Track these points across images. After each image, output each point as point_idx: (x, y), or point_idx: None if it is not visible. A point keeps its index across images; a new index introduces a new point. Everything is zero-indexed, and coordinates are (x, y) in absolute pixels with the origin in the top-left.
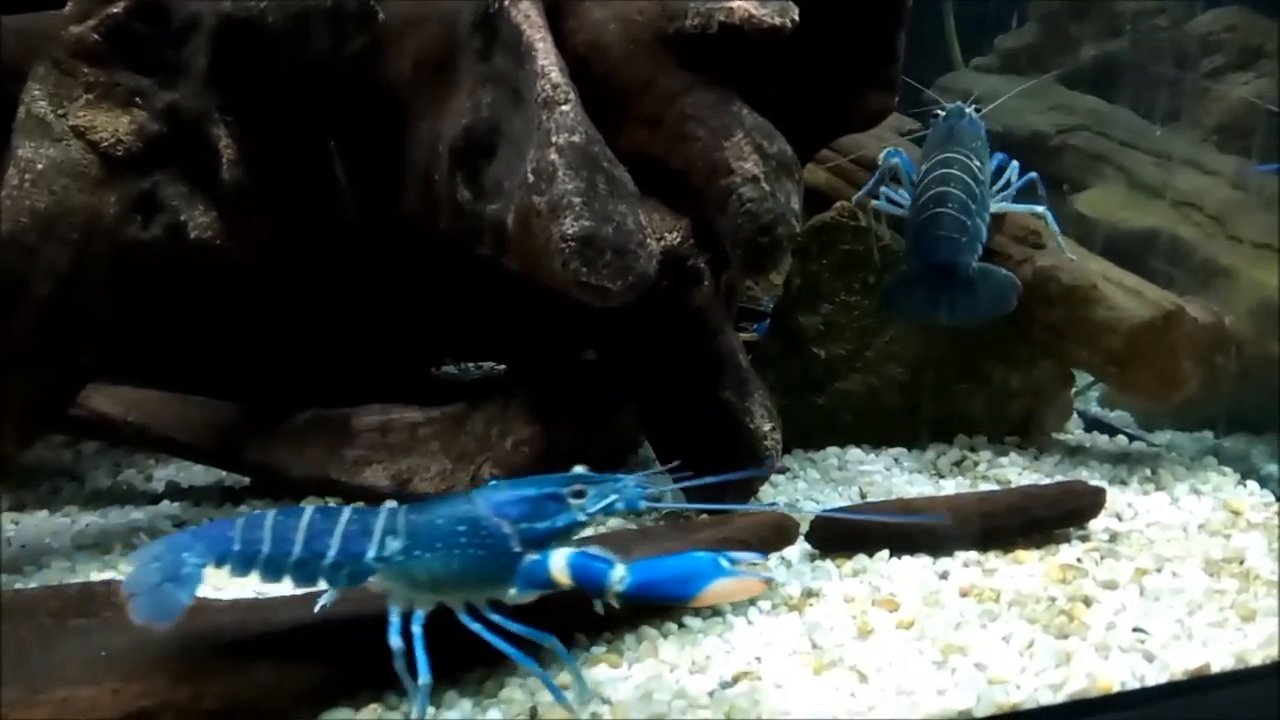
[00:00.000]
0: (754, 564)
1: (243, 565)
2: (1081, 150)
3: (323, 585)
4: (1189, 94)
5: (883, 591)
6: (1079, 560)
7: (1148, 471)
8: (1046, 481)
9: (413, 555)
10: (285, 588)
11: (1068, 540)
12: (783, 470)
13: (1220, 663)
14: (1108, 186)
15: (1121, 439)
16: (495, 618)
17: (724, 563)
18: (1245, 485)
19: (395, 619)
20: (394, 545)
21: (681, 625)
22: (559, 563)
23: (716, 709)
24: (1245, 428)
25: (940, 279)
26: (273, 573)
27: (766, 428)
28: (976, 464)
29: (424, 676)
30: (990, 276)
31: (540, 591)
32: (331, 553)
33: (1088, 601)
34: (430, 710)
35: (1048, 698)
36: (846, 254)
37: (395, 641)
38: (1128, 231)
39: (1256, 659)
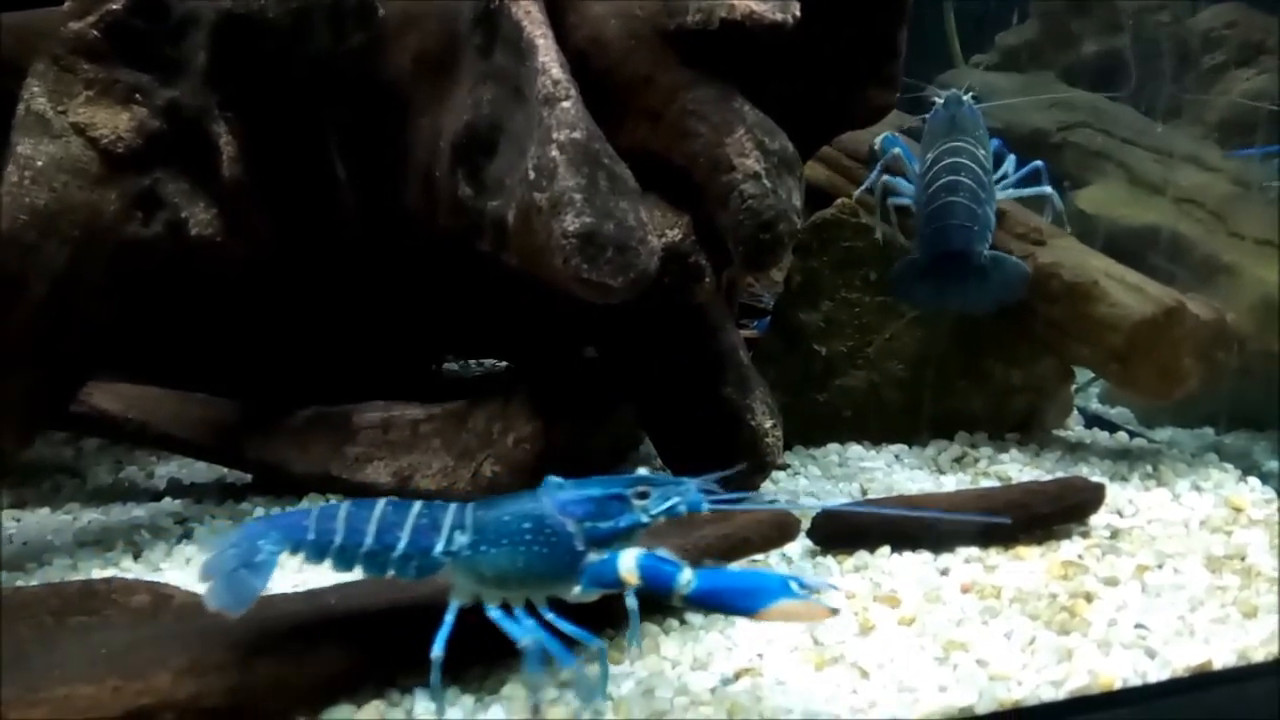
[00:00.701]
0: (819, 593)
1: (316, 554)
2: (1082, 147)
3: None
4: (1191, 91)
5: (884, 588)
6: (1080, 557)
7: (1149, 468)
8: (1047, 478)
9: (479, 550)
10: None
11: (1069, 537)
12: (783, 467)
13: (1222, 659)
14: (1109, 183)
15: (1122, 435)
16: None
17: (794, 585)
18: (1246, 482)
19: (451, 618)
20: (461, 540)
21: (683, 622)
22: (628, 562)
23: (718, 706)
24: (1247, 424)
25: (953, 267)
26: (344, 562)
27: (767, 425)
28: (977, 460)
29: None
30: (1002, 264)
31: (605, 591)
32: (401, 545)
33: (1089, 598)
34: (432, 707)
35: (1049, 694)
36: (847, 250)
37: (438, 651)
38: (1129, 228)
39: (1258, 655)
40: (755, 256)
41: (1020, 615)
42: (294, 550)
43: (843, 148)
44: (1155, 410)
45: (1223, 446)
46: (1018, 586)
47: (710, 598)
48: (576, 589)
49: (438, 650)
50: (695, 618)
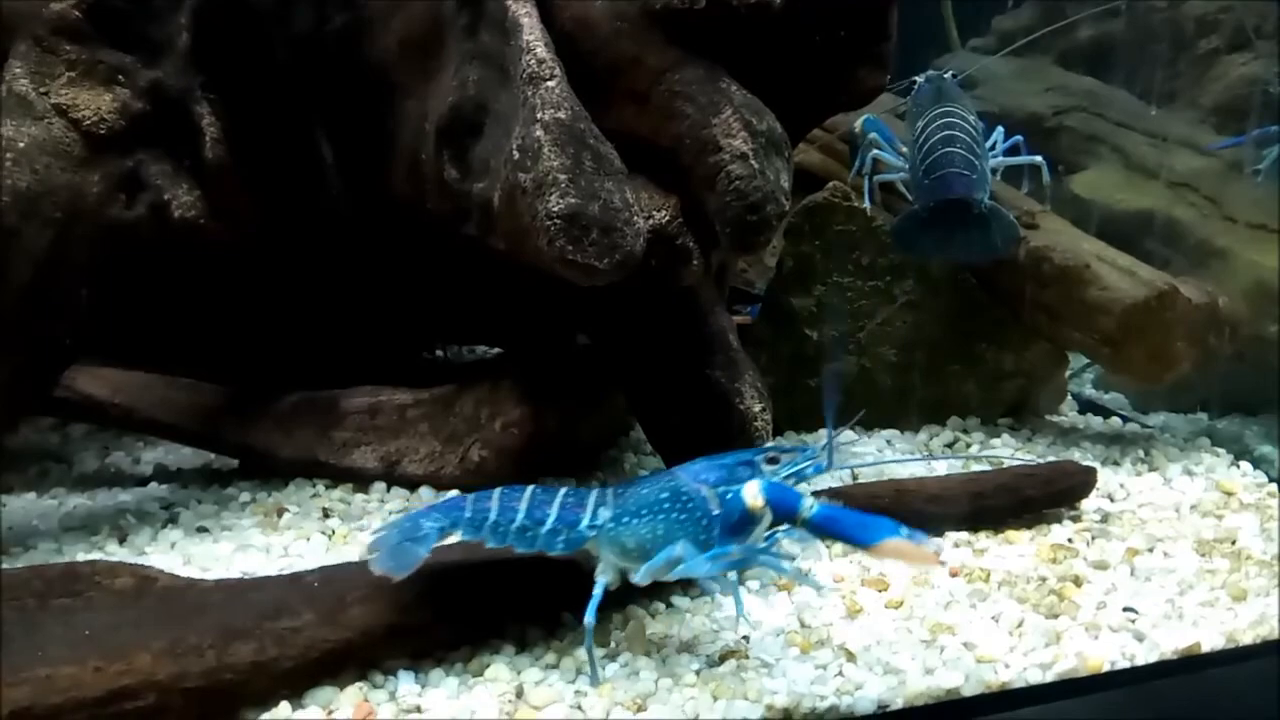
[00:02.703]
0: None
1: (472, 529)
2: (1077, 131)
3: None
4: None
5: (872, 571)
6: (1070, 540)
7: (1141, 452)
8: (1038, 462)
9: (622, 522)
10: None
11: (1059, 520)
12: None
13: (1210, 642)
14: (1104, 168)
15: (1115, 421)
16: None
17: (903, 530)
18: (1238, 466)
19: (599, 593)
20: (605, 514)
21: (669, 605)
22: (752, 489)
23: (703, 687)
24: (1239, 409)
25: (953, 216)
26: (498, 537)
27: (757, 408)
28: (969, 445)
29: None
30: (999, 216)
31: (741, 538)
32: (550, 520)
33: (1078, 581)
34: (416, 689)
35: (1036, 677)
36: (839, 234)
37: (590, 619)
38: (1123, 213)
39: (1247, 638)
40: (742, 238)
41: (1009, 599)
42: (452, 527)
43: (836, 131)
44: (1149, 395)
45: (1215, 431)
46: (1007, 570)
47: (830, 524)
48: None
49: (589, 618)
50: (682, 600)
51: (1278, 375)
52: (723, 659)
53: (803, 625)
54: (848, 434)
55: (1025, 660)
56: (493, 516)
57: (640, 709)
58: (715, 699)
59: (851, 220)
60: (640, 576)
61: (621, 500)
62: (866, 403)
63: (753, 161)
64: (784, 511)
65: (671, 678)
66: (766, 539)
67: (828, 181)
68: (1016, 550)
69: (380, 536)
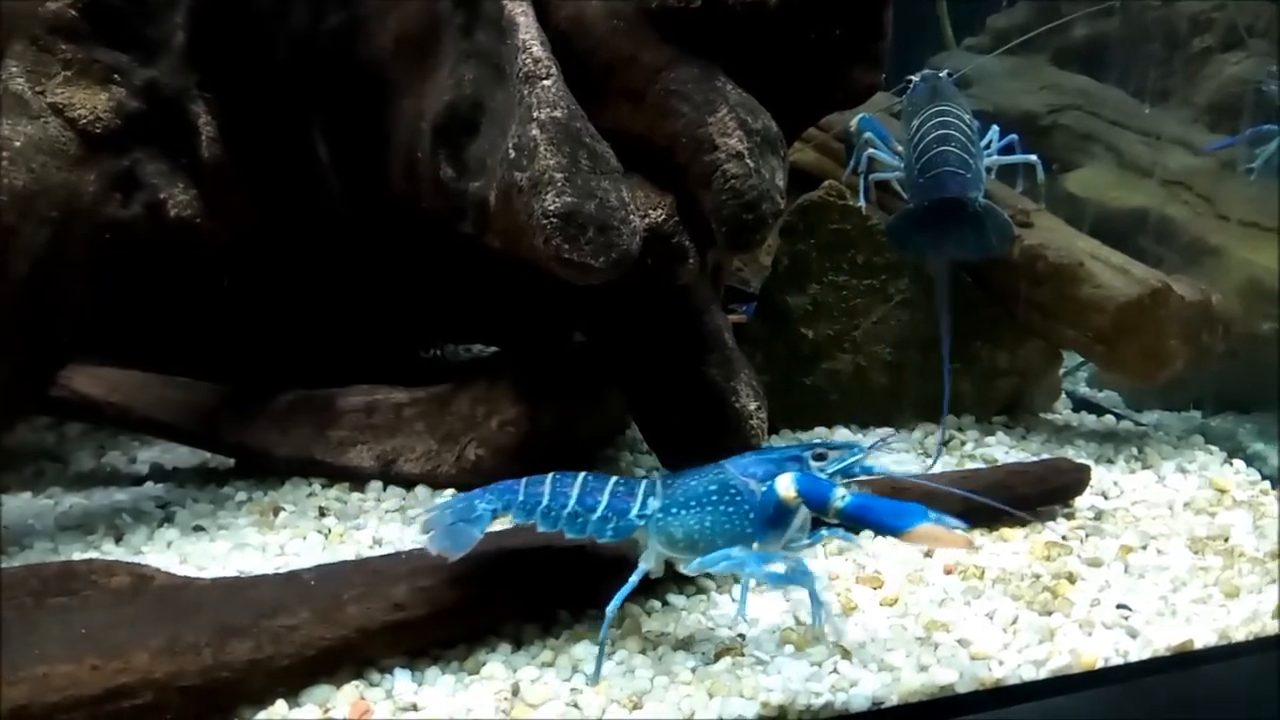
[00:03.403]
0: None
1: (524, 513)
2: (1072, 130)
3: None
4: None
5: (867, 569)
6: (1064, 538)
7: (1135, 450)
8: (1032, 460)
9: (670, 513)
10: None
11: (1053, 518)
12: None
13: (1203, 639)
14: (1098, 166)
15: (1109, 418)
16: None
17: (933, 515)
18: (1231, 464)
19: (635, 580)
20: (654, 504)
21: (665, 603)
22: (784, 481)
23: (699, 685)
24: (1233, 407)
25: (948, 214)
26: (549, 521)
27: (752, 407)
28: (964, 443)
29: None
30: (994, 214)
31: (779, 533)
32: (600, 507)
33: (1072, 578)
34: (412, 687)
35: (1030, 674)
36: (835, 233)
37: (613, 607)
38: (1117, 211)
39: (1239, 635)
40: (738, 237)
41: (1003, 596)
42: (505, 509)
43: (832, 130)
44: (1143, 393)
45: (1209, 429)
46: (1001, 567)
47: (862, 513)
48: (754, 547)
49: (613, 606)
50: (677, 598)
51: (1278, 373)
52: (718, 656)
53: (798, 622)
54: (843, 431)
55: (1019, 657)
56: (545, 501)
57: (636, 707)
58: (711, 696)
59: (846, 219)
60: (692, 568)
61: (670, 491)
62: (861, 401)
63: (748, 160)
64: (817, 502)
65: (667, 675)
66: (810, 537)
67: (823, 180)
68: (1011, 548)
69: (433, 517)
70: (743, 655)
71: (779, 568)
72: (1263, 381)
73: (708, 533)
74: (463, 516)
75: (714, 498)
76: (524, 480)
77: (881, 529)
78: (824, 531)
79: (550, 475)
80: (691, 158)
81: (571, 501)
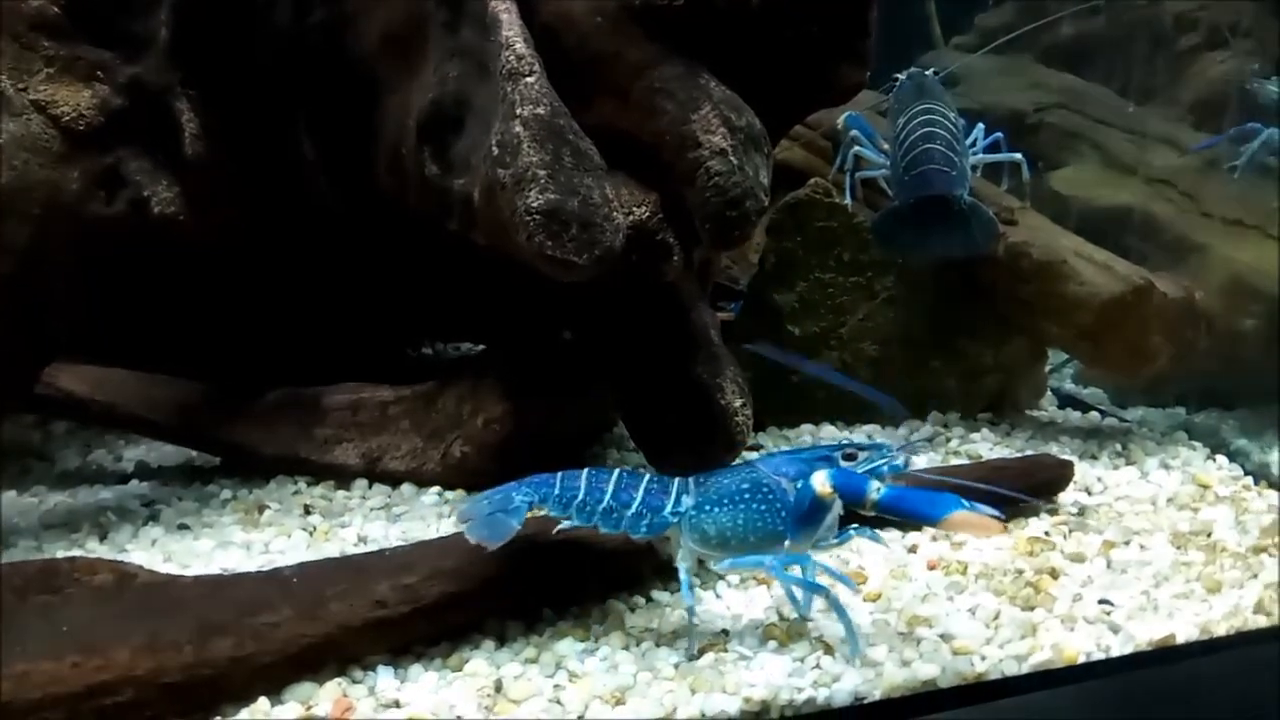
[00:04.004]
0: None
1: (560, 507)
2: (1057, 128)
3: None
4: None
5: (851, 565)
6: (1047, 533)
7: (1118, 446)
8: (1016, 456)
9: (703, 510)
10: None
11: (1036, 514)
12: (755, 448)
13: (1185, 634)
14: (1083, 164)
15: (1094, 415)
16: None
17: (964, 503)
18: (1215, 460)
19: (687, 578)
20: (688, 501)
21: (649, 599)
22: (820, 477)
23: (682, 681)
24: (1216, 403)
25: (934, 212)
26: (584, 516)
27: (737, 404)
28: (949, 440)
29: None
30: (979, 212)
31: (813, 529)
32: (635, 504)
33: (1055, 574)
34: (395, 684)
35: (1013, 669)
36: (821, 231)
37: (688, 599)
38: (1102, 208)
39: (1221, 630)
40: (722, 234)
41: (986, 591)
42: (541, 502)
43: (818, 128)
44: (1128, 390)
45: (1193, 425)
46: (984, 563)
47: (897, 503)
48: (786, 543)
49: (688, 599)
50: (661, 595)
51: (1278, 372)
52: (702, 652)
53: (781, 618)
54: (830, 429)
55: (1002, 652)
56: (580, 495)
57: (619, 702)
58: (694, 692)
59: (833, 216)
60: (723, 566)
61: (704, 489)
62: (848, 398)
63: (732, 157)
64: (852, 495)
65: (650, 671)
66: (838, 536)
67: (810, 178)
68: (994, 543)
69: (471, 507)
70: (726, 651)
71: (810, 573)
72: (1246, 378)
73: (740, 530)
74: (500, 507)
75: (747, 496)
76: (560, 474)
77: (917, 518)
78: (852, 530)
79: (585, 470)
80: (675, 155)
81: (606, 497)
